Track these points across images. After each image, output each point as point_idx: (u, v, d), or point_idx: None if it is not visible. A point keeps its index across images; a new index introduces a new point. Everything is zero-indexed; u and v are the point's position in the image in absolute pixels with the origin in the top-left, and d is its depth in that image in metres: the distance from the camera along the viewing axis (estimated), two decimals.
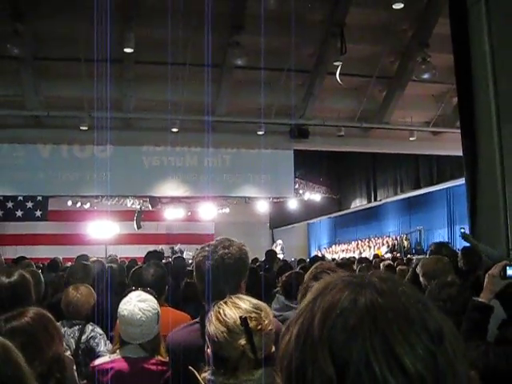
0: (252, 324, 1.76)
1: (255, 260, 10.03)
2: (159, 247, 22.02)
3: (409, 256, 16.29)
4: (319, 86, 13.74)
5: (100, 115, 11.50)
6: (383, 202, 21.47)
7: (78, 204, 22.62)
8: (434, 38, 12.44)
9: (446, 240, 18.89)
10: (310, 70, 13.69)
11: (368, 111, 14.66)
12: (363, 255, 21.02)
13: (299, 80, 13.57)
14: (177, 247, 23.27)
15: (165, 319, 3.14)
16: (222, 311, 1.83)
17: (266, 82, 11.87)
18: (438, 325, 0.77)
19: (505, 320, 2.74)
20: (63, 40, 12.10)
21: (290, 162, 15.33)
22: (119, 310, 3.01)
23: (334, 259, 14.68)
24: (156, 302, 3.11)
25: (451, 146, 13.15)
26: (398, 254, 19.13)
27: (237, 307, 1.84)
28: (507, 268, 2.78)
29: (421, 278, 3.91)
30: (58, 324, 3.73)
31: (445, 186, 18.34)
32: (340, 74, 12.62)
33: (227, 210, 24.83)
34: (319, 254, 25.44)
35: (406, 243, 21.19)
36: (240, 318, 1.75)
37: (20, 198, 20.03)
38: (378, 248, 22.13)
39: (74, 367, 3.10)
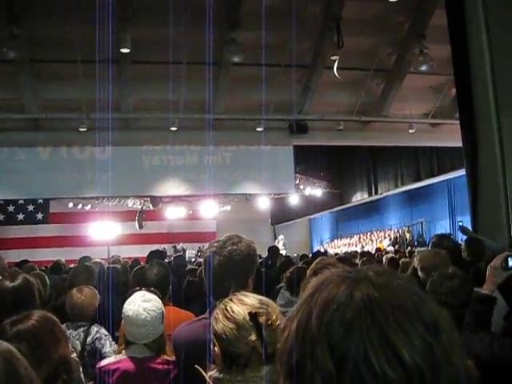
0: (261, 319, 1.76)
1: (258, 256, 10.00)
2: (161, 247, 22.08)
3: (411, 248, 16.26)
4: (317, 80, 13.73)
5: (99, 116, 11.47)
6: (384, 195, 21.47)
7: (80, 206, 22.65)
8: (430, 29, 12.41)
9: (448, 231, 18.91)
10: (308, 64, 13.68)
11: (366, 104, 14.64)
12: (365, 249, 21.05)
13: (297, 75, 13.54)
14: (179, 246, 23.30)
15: (169, 318, 3.14)
16: (229, 308, 1.83)
17: (264, 78, 11.85)
18: (433, 316, 0.78)
19: (510, 311, 2.74)
20: (59, 42, 12.09)
21: (289, 158, 15.32)
22: (124, 310, 3.01)
23: (336, 254, 14.67)
24: (160, 301, 3.11)
25: (450, 137, 13.12)
26: (400, 248, 19.17)
27: (243, 304, 1.84)
28: (509, 259, 2.78)
29: (419, 272, 3.90)
30: (63, 326, 3.75)
31: (445, 178, 18.33)
32: (337, 67, 12.61)
33: (228, 208, 24.84)
34: (321, 249, 25.49)
35: (408, 236, 21.20)
36: (249, 313, 1.74)
37: (21, 201, 20.05)
38: (381, 241, 22.14)
39: (81, 369, 3.12)
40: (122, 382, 2.84)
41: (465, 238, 7.28)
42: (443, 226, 19.90)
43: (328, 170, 22.89)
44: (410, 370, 0.73)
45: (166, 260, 10.78)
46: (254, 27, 9.83)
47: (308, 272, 3.00)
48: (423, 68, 12.72)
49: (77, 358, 3.14)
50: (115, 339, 3.60)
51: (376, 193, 21.09)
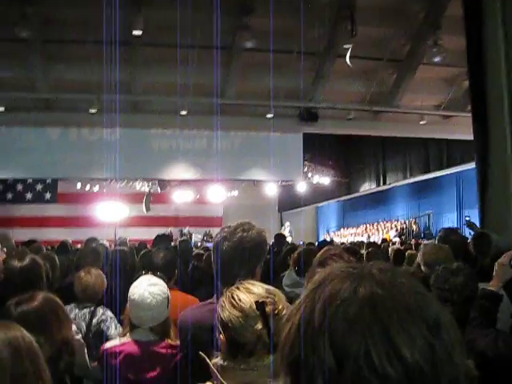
0: (268, 308, 1.76)
1: (267, 245, 9.97)
2: (168, 230, 22.13)
3: (417, 240, 16.23)
4: (329, 68, 13.66)
5: (109, 98, 11.48)
6: (392, 185, 21.41)
7: (88, 186, 22.67)
8: (445, 20, 12.29)
9: (455, 224, 18.88)
10: (320, 52, 13.59)
11: (378, 94, 14.56)
12: (372, 239, 21.05)
13: (309, 63, 13.47)
14: (185, 230, 23.33)
15: (174, 303, 3.15)
16: (235, 296, 1.83)
17: (276, 65, 11.80)
18: (436, 315, 0.78)
19: None
20: (71, 23, 12.08)
21: (298, 146, 15.29)
22: (129, 293, 3.03)
23: (342, 243, 14.67)
24: (166, 286, 3.12)
25: (461, 129, 13.06)
26: (406, 239, 19.15)
27: (250, 292, 1.84)
28: None
29: (422, 267, 3.89)
30: (70, 306, 3.78)
31: (454, 171, 18.23)
32: (350, 56, 12.52)
33: (236, 193, 24.82)
34: (328, 238, 25.49)
35: (414, 227, 21.16)
36: (256, 302, 1.74)
37: (29, 180, 20.15)
38: (387, 232, 22.11)
39: (85, 350, 3.14)
40: (126, 365, 2.86)
41: (471, 232, 7.28)
42: (450, 219, 19.84)
43: (337, 158, 22.81)
44: (410, 369, 0.73)
45: (173, 243, 10.80)
46: (267, 13, 9.76)
47: (314, 261, 2.99)
48: (436, 59, 12.63)
49: (82, 340, 3.17)
50: (120, 322, 3.61)
51: (384, 183, 21.03)
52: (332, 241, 15.32)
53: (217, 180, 17.91)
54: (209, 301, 2.52)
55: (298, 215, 27.34)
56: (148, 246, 9.95)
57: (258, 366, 1.73)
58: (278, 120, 13.98)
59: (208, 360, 1.80)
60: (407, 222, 22.01)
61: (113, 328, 3.69)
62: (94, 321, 3.73)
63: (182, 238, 12.56)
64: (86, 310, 3.79)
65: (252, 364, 1.74)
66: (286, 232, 20.57)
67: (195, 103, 13.55)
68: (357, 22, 12.14)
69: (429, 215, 21.05)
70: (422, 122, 14.84)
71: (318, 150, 20.37)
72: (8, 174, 15.66)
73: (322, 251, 3.73)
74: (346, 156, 22.96)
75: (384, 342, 0.74)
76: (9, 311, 2.09)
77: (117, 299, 3.71)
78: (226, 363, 1.77)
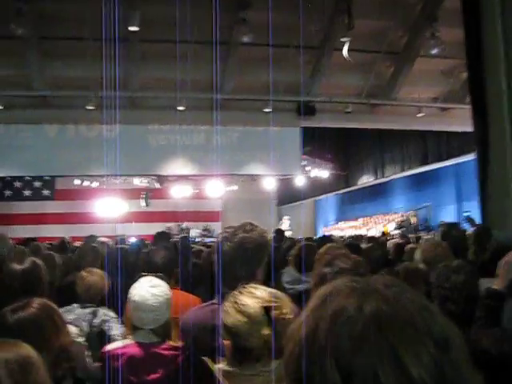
0: (274, 313, 1.75)
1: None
2: (167, 225, 22.12)
3: (416, 233, 16.24)
4: (326, 62, 13.63)
5: (106, 94, 11.43)
6: (391, 178, 21.41)
7: (86, 183, 22.62)
8: (442, 11, 12.26)
9: (454, 216, 18.90)
10: (317, 46, 13.56)
11: (376, 87, 14.54)
12: (370, 232, 21.08)
13: (306, 57, 13.41)
14: (184, 225, 23.33)
15: (175, 302, 3.14)
16: (240, 301, 1.81)
17: (273, 59, 11.76)
18: (443, 332, 0.77)
19: None
20: (67, 19, 12.02)
21: (297, 140, 15.28)
22: (130, 295, 3.01)
23: (341, 237, 14.68)
24: (167, 286, 3.11)
25: (460, 121, 13.06)
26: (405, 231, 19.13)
27: (254, 296, 1.82)
28: None
29: (421, 265, 3.89)
30: (72, 306, 3.77)
31: (453, 163, 18.22)
32: (347, 50, 12.49)
33: (235, 188, 24.80)
34: (326, 232, 25.51)
35: (413, 220, 21.16)
36: (262, 307, 1.73)
37: (27, 177, 20.11)
38: (386, 225, 22.13)
39: (86, 353, 3.13)
40: (128, 367, 2.84)
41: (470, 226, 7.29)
42: (449, 211, 19.85)
43: (335, 152, 22.82)
44: None
45: (172, 239, 10.78)
46: (264, 7, 9.72)
47: (319, 261, 2.98)
48: (434, 51, 12.60)
49: (83, 342, 3.16)
50: (123, 322, 3.60)
51: (383, 176, 21.04)
52: (331, 236, 15.30)
53: (215, 175, 17.89)
54: (211, 301, 2.51)
55: (296, 209, 27.35)
56: (148, 242, 9.95)
57: (263, 372, 1.72)
58: (276, 114, 13.95)
59: (212, 365, 1.79)
60: (406, 214, 22.01)
61: (115, 328, 3.68)
62: (96, 321, 3.71)
63: (182, 235, 12.57)
64: (88, 310, 3.78)
65: (258, 369, 1.73)
66: (284, 226, 20.58)
67: (193, 98, 13.52)
68: (354, 15, 12.12)
69: (428, 207, 21.05)
70: (419, 115, 14.82)
71: (316, 143, 20.36)
72: (6, 172, 15.61)
73: (324, 248, 3.73)
74: (345, 149, 22.97)
75: (391, 361, 0.72)
76: (4, 319, 2.07)
77: (118, 299, 3.70)
78: (231, 369, 1.76)
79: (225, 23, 11.99)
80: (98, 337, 3.64)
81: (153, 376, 2.85)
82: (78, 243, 12.67)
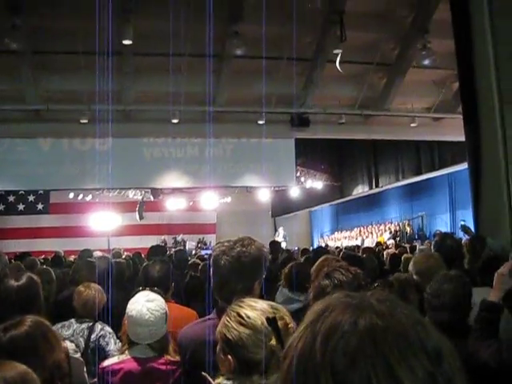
0: (280, 323, 1.75)
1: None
2: (162, 238, 22.08)
3: (412, 243, 16.26)
4: (319, 74, 13.68)
5: (100, 108, 11.45)
6: (385, 188, 21.47)
7: (80, 196, 22.57)
8: (433, 23, 12.36)
9: (448, 225, 18.96)
10: (310, 58, 13.63)
11: (369, 98, 14.61)
12: (366, 242, 21.09)
13: (299, 68, 13.48)
14: (179, 237, 23.29)
15: (172, 316, 3.14)
16: (243, 314, 1.82)
17: (266, 71, 11.81)
18: (436, 345, 0.78)
19: None
20: (61, 33, 12.05)
21: (291, 151, 15.32)
22: (127, 310, 3.01)
23: (337, 247, 14.68)
24: (164, 301, 3.11)
25: (452, 131, 13.13)
26: (400, 241, 19.16)
27: (255, 309, 1.83)
28: None
29: (414, 276, 3.91)
30: (69, 322, 3.76)
31: (446, 172, 18.32)
32: (340, 61, 12.56)
33: (229, 200, 24.79)
34: (322, 242, 25.51)
35: (408, 229, 21.20)
36: (267, 318, 1.73)
37: (21, 191, 20.07)
38: (381, 234, 22.15)
39: (84, 368, 3.12)
40: (125, 383, 2.84)
41: (465, 236, 7.31)
42: (443, 220, 19.91)
43: (329, 162, 22.88)
44: None
45: (168, 252, 10.77)
46: (256, 20, 9.78)
47: (316, 272, 2.98)
48: (426, 62, 12.69)
49: (80, 358, 3.15)
50: (119, 337, 3.59)
51: (377, 186, 21.09)
52: (327, 246, 15.31)
53: (210, 187, 17.89)
54: (208, 317, 2.50)
55: (291, 220, 27.36)
56: (143, 255, 9.93)
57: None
58: (270, 126, 13.98)
59: (211, 380, 1.79)
60: (401, 224, 22.05)
61: (112, 344, 3.67)
62: (93, 336, 3.70)
63: (178, 248, 12.55)
64: (85, 326, 3.76)
65: (257, 382, 1.73)
66: (280, 238, 20.57)
67: (186, 111, 13.53)
68: (346, 26, 12.18)
69: (422, 217, 21.11)
70: (412, 125, 14.90)
71: (310, 154, 20.43)
72: (0, 186, 15.58)
73: (321, 261, 3.74)
74: (339, 160, 23.04)
75: (386, 375, 0.73)
76: None
77: (115, 314, 3.69)
78: (230, 382, 1.76)
79: (217, 36, 12.04)
80: (95, 352, 3.63)
81: None
82: (72, 257, 12.64)
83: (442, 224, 19.61)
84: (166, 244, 19.59)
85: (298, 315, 1.92)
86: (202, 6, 8.40)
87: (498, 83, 7.86)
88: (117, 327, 3.68)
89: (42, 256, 12.38)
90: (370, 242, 20.04)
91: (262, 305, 1.86)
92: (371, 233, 23.26)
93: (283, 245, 16.26)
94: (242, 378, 1.75)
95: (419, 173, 18.79)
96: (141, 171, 14.83)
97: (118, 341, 3.64)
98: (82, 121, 13.17)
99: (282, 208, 26.51)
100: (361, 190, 22.51)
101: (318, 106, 14.29)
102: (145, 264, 4.45)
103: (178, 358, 2.84)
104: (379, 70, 14.19)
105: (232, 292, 2.29)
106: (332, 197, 24.46)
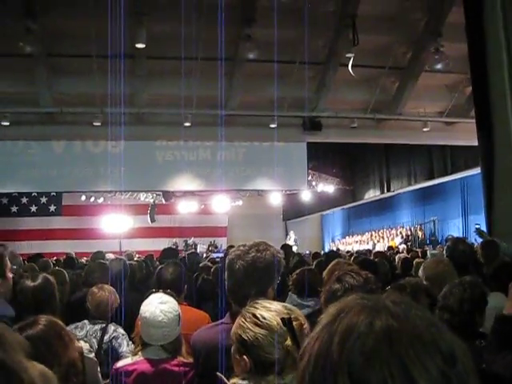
0: (295, 323, 1.77)
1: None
2: (173, 240, 22.15)
3: (423, 247, 16.20)
4: (332, 77, 13.68)
5: (113, 111, 11.51)
6: (397, 192, 21.40)
7: (92, 198, 22.72)
8: (447, 27, 12.32)
9: (461, 230, 18.86)
10: (323, 61, 13.63)
11: (381, 102, 14.58)
12: (377, 246, 21.02)
13: (311, 72, 13.50)
14: (190, 240, 23.34)
15: (184, 318, 3.16)
16: (258, 315, 1.83)
17: (279, 75, 11.82)
18: (450, 347, 0.80)
19: None
20: (75, 37, 12.14)
21: (303, 155, 15.32)
22: (141, 312, 3.03)
23: (348, 251, 14.65)
24: (177, 303, 3.13)
25: (465, 136, 13.08)
26: (412, 246, 19.09)
27: (270, 310, 1.85)
28: None
29: (424, 282, 3.91)
30: (82, 323, 3.78)
31: (459, 176, 18.24)
32: (352, 65, 12.55)
33: (240, 203, 24.84)
34: (333, 246, 25.46)
35: (420, 234, 21.12)
36: (282, 319, 1.75)
37: (34, 193, 20.22)
38: (392, 239, 22.08)
39: (98, 368, 3.14)
40: None
41: (478, 239, 7.27)
42: (456, 225, 19.81)
43: (341, 166, 22.86)
44: None
45: (180, 255, 10.79)
46: (269, 24, 9.80)
47: (327, 276, 2.99)
48: (438, 66, 12.65)
49: (94, 358, 3.17)
50: (132, 339, 3.61)
51: (388, 190, 21.04)
52: (338, 250, 15.29)
53: (221, 190, 17.93)
54: (221, 320, 2.51)
55: (302, 223, 27.34)
56: (155, 257, 9.97)
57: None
58: (282, 130, 13.98)
59: (226, 380, 1.80)
60: (412, 228, 21.97)
61: (125, 345, 3.69)
62: (106, 338, 3.72)
63: (191, 251, 12.58)
64: (98, 327, 3.78)
65: (279, 381, 1.74)
66: (291, 241, 20.55)
67: (199, 114, 13.58)
68: (358, 30, 12.17)
69: (434, 221, 21.01)
70: (425, 129, 14.84)
71: (322, 158, 20.43)
72: (13, 188, 15.71)
73: (332, 265, 3.74)
74: (351, 164, 23.01)
75: (401, 375, 0.75)
76: None
77: (127, 315, 3.71)
78: (245, 382, 1.77)
79: (230, 40, 12.10)
80: (108, 353, 3.65)
81: None
82: (84, 259, 12.73)
83: (455, 229, 19.52)
84: (177, 247, 19.62)
85: (308, 321, 1.93)
86: (215, 10, 8.46)
87: (511, 87, 7.83)
88: (129, 328, 3.71)
89: (54, 257, 12.47)
90: (381, 247, 19.97)
91: (277, 306, 1.88)
92: (382, 237, 23.20)
93: (294, 248, 16.24)
94: (257, 378, 1.77)
95: (431, 177, 18.73)
96: (153, 174, 14.89)
97: (130, 342, 3.66)
98: (95, 123, 13.25)
99: (293, 212, 26.52)
100: (372, 194, 22.46)
101: (330, 110, 14.29)
102: (159, 267, 4.47)
103: (190, 360, 2.85)
104: (392, 73, 14.16)
105: (246, 296, 2.30)
106: (344, 201, 24.43)
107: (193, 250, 15.07)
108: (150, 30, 11.86)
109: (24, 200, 21.90)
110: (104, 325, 3.79)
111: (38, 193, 20.34)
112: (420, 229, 21.40)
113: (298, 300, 4.38)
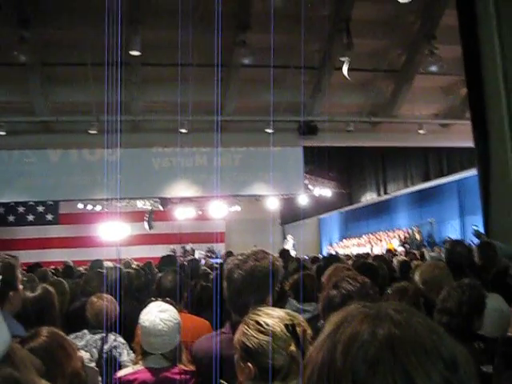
0: (298, 329, 1.77)
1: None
2: (171, 247, 22.09)
3: (421, 249, 16.20)
4: (327, 81, 13.72)
5: (108, 119, 11.49)
6: (393, 195, 21.42)
7: (89, 206, 22.67)
8: (440, 29, 12.38)
9: (458, 231, 18.87)
10: (317, 66, 13.66)
11: (376, 105, 14.62)
12: (375, 249, 21.03)
13: (307, 77, 13.52)
14: (188, 246, 23.30)
15: (184, 326, 3.16)
16: (262, 322, 1.84)
17: (274, 80, 11.85)
18: (452, 353, 0.81)
19: None
20: (69, 45, 12.15)
21: (299, 159, 15.33)
22: (140, 321, 3.03)
23: (346, 255, 14.64)
24: (176, 312, 3.12)
25: (460, 137, 13.11)
26: (410, 248, 19.10)
27: (273, 317, 1.86)
28: None
29: (421, 286, 3.92)
30: (82, 332, 3.77)
31: (455, 178, 18.28)
32: (347, 69, 12.58)
33: (238, 208, 24.82)
34: (331, 249, 25.45)
35: (417, 236, 21.12)
36: (286, 325, 1.75)
37: (31, 202, 20.15)
38: (390, 241, 22.08)
39: (99, 378, 3.13)
40: None
41: (476, 240, 7.28)
42: (453, 227, 19.81)
43: (337, 170, 22.87)
44: None
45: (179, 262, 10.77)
46: (263, 29, 9.84)
47: (325, 282, 2.99)
48: (433, 68, 12.70)
49: (95, 367, 3.16)
50: (132, 348, 3.60)
51: (385, 193, 21.06)
52: (337, 254, 15.28)
53: (218, 196, 17.91)
54: (222, 330, 2.51)
55: (300, 227, 27.31)
56: (153, 264, 9.93)
57: None
58: (278, 134, 14.01)
59: None
60: (410, 230, 21.97)
61: (125, 354, 3.68)
62: (106, 347, 3.71)
63: (191, 258, 12.57)
64: (98, 336, 3.77)
65: None
66: (289, 245, 20.54)
67: (195, 121, 13.58)
68: (353, 34, 12.21)
69: (431, 223, 21.02)
70: (420, 131, 14.87)
71: (318, 162, 20.40)
72: (10, 198, 15.67)
73: (330, 270, 3.74)
74: (347, 167, 23.03)
75: (404, 382, 0.76)
76: None
77: (125, 324, 3.70)
78: None
79: (225, 45, 12.11)
80: (108, 363, 3.64)
81: None
82: (82, 267, 12.68)
83: (452, 230, 19.52)
84: (175, 253, 19.60)
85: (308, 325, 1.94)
86: (210, 16, 8.47)
87: (505, 88, 7.86)
88: (129, 337, 3.70)
89: (52, 266, 12.42)
90: (379, 249, 19.98)
91: (279, 312, 1.89)
92: (380, 240, 23.20)
93: (292, 253, 16.24)
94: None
95: (428, 179, 18.76)
96: (150, 181, 14.89)
97: (131, 351, 3.65)
98: (91, 131, 13.24)
99: (290, 216, 26.49)
100: (369, 197, 22.49)
101: (325, 114, 14.29)
102: (159, 275, 4.47)
103: (191, 367, 2.85)
104: (386, 76, 14.20)
105: (245, 305, 2.31)
106: (341, 204, 24.45)
107: (193, 257, 15.06)
108: (144, 36, 11.88)
109: (21, 209, 21.83)
110: (104, 334, 3.78)
111: (34, 202, 20.27)
112: (417, 231, 21.40)
113: (297, 305, 4.39)
